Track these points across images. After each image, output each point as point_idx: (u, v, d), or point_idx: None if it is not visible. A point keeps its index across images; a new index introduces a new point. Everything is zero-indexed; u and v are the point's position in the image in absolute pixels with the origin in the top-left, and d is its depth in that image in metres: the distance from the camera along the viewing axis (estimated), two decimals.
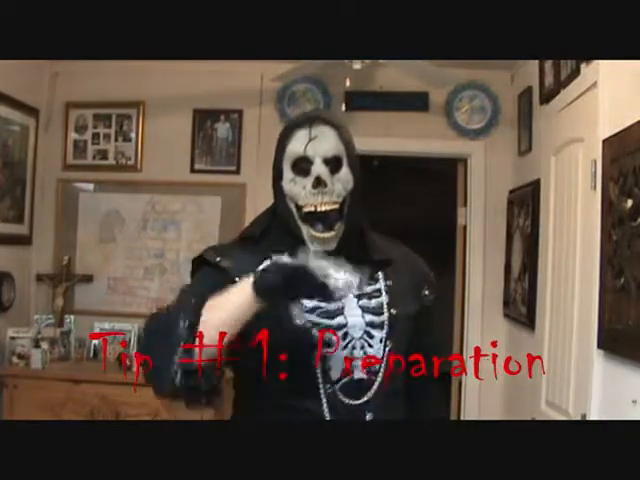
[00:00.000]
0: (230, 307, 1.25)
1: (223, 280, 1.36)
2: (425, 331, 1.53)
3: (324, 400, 1.36)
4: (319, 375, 1.37)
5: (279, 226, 1.46)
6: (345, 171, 1.41)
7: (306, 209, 1.39)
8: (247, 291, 1.23)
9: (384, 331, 1.42)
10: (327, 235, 1.38)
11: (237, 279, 1.34)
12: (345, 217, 1.40)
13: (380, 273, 1.48)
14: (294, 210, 1.41)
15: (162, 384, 1.24)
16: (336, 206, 1.39)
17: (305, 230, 1.40)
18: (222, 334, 1.23)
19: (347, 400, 1.37)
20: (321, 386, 1.36)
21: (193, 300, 1.27)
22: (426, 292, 1.54)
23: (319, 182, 1.37)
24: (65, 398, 3.31)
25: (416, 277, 1.54)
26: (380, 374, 1.41)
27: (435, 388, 1.62)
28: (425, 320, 1.53)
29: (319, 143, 1.39)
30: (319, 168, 1.38)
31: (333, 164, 1.40)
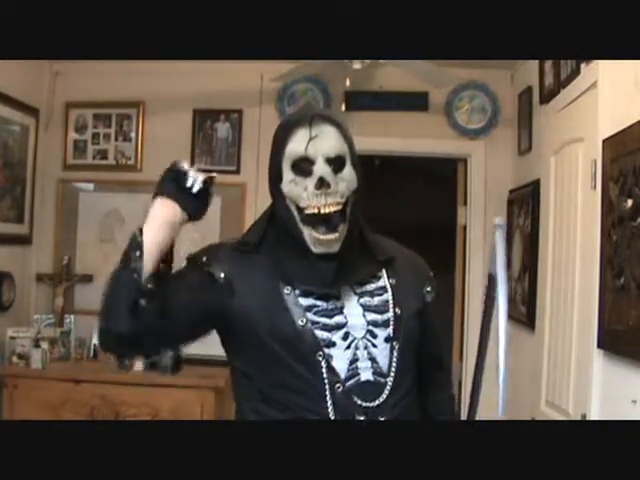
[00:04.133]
0: (161, 222, 1.32)
1: (203, 276, 1.38)
2: (429, 328, 1.51)
3: (330, 404, 1.33)
4: (324, 371, 1.33)
5: (275, 231, 1.42)
6: (348, 170, 1.36)
7: (308, 211, 1.34)
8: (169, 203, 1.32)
9: (389, 330, 1.39)
10: (331, 237, 1.34)
11: (222, 275, 1.37)
12: (348, 217, 1.37)
13: (383, 271, 1.45)
14: (295, 212, 1.36)
15: (118, 321, 1.30)
16: (340, 207, 1.35)
17: (307, 232, 1.35)
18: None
19: (359, 402, 1.34)
20: (326, 382, 1.33)
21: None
22: (428, 289, 1.52)
23: (322, 183, 1.32)
24: (65, 398, 3.32)
25: (417, 275, 1.52)
26: (390, 375, 1.37)
27: (446, 380, 1.63)
28: (428, 317, 1.51)
29: (320, 142, 1.34)
30: (322, 168, 1.33)
31: (336, 163, 1.35)
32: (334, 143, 1.35)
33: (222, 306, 1.37)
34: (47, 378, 3.39)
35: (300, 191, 1.34)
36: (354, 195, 1.38)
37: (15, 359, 3.49)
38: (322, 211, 1.33)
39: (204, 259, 1.42)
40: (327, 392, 1.33)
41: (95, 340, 3.79)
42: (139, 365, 3.52)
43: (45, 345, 3.53)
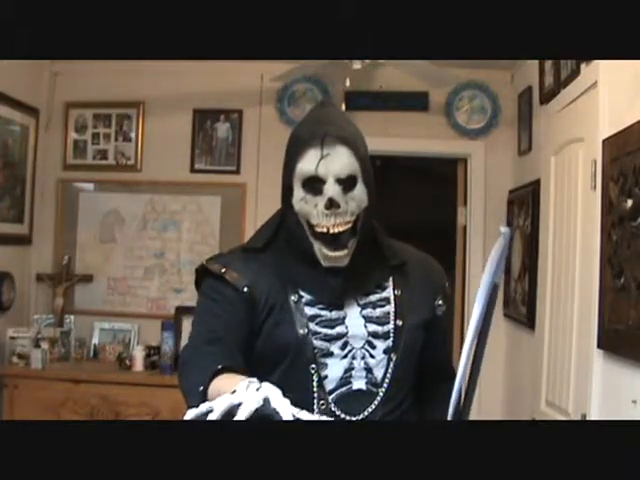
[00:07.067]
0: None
1: (231, 294, 1.37)
2: (437, 340, 1.50)
3: (316, 412, 1.33)
4: (314, 385, 1.34)
5: (286, 237, 1.42)
6: (360, 189, 1.35)
7: (318, 229, 1.34)
8: None
9: (388, 342, 1.38)
10: (340, 254, 1.34)
11: (245, 289, 1.36)
12: (358, 233, 1.36)
13: (390, 281, 1.44)
14: (306, 227, 1.36)
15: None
16: (349, 226, 1.34)
17: (317, 247, 1.35)
18: None
19: (343, 415, 1.34)
20: (315, 396, 1.34)
21: (209, 371, 1.23)
22: (439, 302, 1.49)
23: (332, 203, 1.31)
24: (65, 398, 3.32)
25: (430, 285, 1.49)
26: (383, 386, 1.37)
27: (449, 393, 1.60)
28: (437, 330, 1.49)
29: (331, 162, 1.32)
30: (332, 188, 1.32)
31: (347, 183, 1.33)
32: (345, 163, 1.33)
33: (252, 317, 1.37)
34: (47, 378, 3.39)
35: (310, 209, 1.34)
36: (365, 211, 1.37)
37: (15, 359, 3.50)
38: (331, 231, 1.33)
39: (222, 271, 1.40)
40: (315, 406, 1.34)
41: (95, 340, 3.80)
42: (139, 365, 3.53)
43: (45, 345, 3.53)
